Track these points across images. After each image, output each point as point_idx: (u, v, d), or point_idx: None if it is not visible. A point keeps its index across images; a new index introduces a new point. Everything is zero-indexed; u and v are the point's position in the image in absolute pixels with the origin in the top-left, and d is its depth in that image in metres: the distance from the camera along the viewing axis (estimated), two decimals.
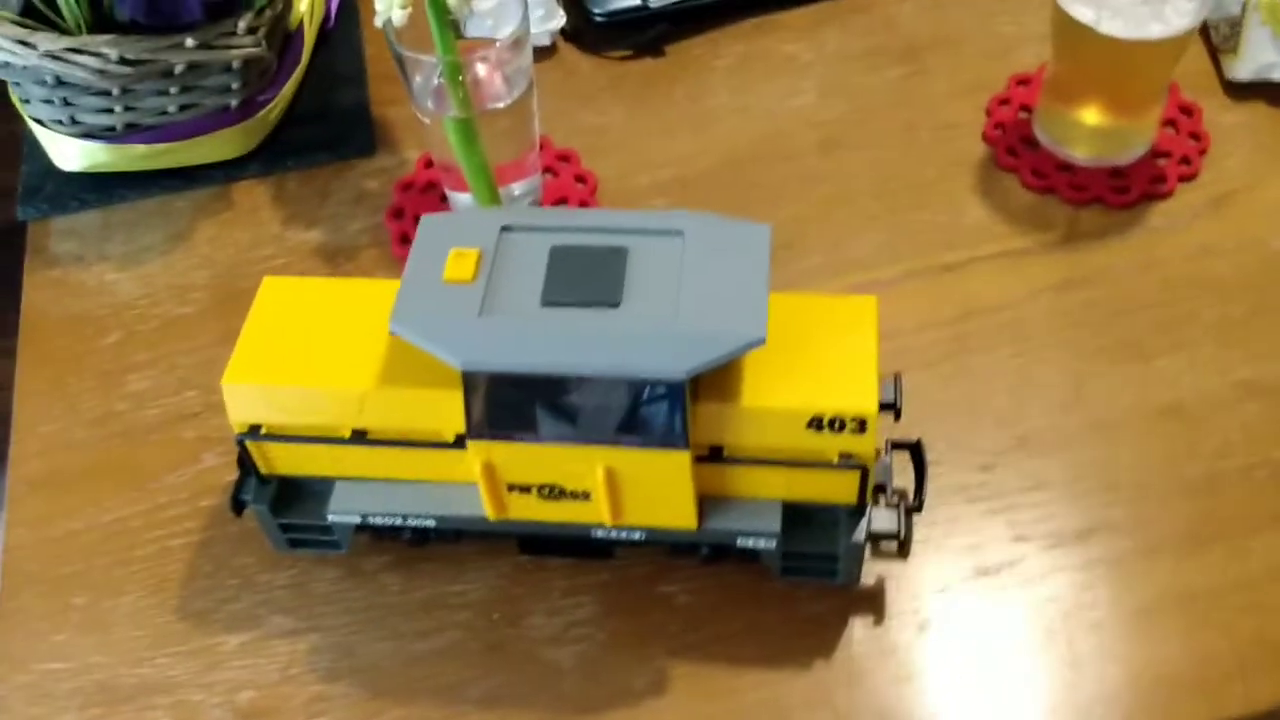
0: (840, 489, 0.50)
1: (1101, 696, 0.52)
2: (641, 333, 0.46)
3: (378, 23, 0.61)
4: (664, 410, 0.47)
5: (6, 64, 0.66)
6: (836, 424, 0.48)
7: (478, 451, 0.49)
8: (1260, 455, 0.58)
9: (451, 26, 0.62)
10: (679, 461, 0.48)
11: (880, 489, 0.54)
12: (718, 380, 0.49)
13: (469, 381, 0.47)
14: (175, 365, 0.66)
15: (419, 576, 0.57)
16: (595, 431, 0.47)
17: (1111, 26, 0.62)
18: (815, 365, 0.49)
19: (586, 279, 0.47)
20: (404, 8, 0.61)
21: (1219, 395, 0.60)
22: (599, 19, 0.79)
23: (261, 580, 0.58)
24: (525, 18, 0.64)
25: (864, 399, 0.48)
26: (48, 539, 0.60)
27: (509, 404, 0.47)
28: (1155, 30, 0.62)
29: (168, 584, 0.58)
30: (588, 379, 0.46)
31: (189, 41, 0.66)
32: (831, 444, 0.49)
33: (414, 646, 0.55)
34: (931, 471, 0.56)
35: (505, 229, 0.49)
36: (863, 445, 0.48)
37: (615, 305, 0.47)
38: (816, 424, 0.48)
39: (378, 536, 0.57)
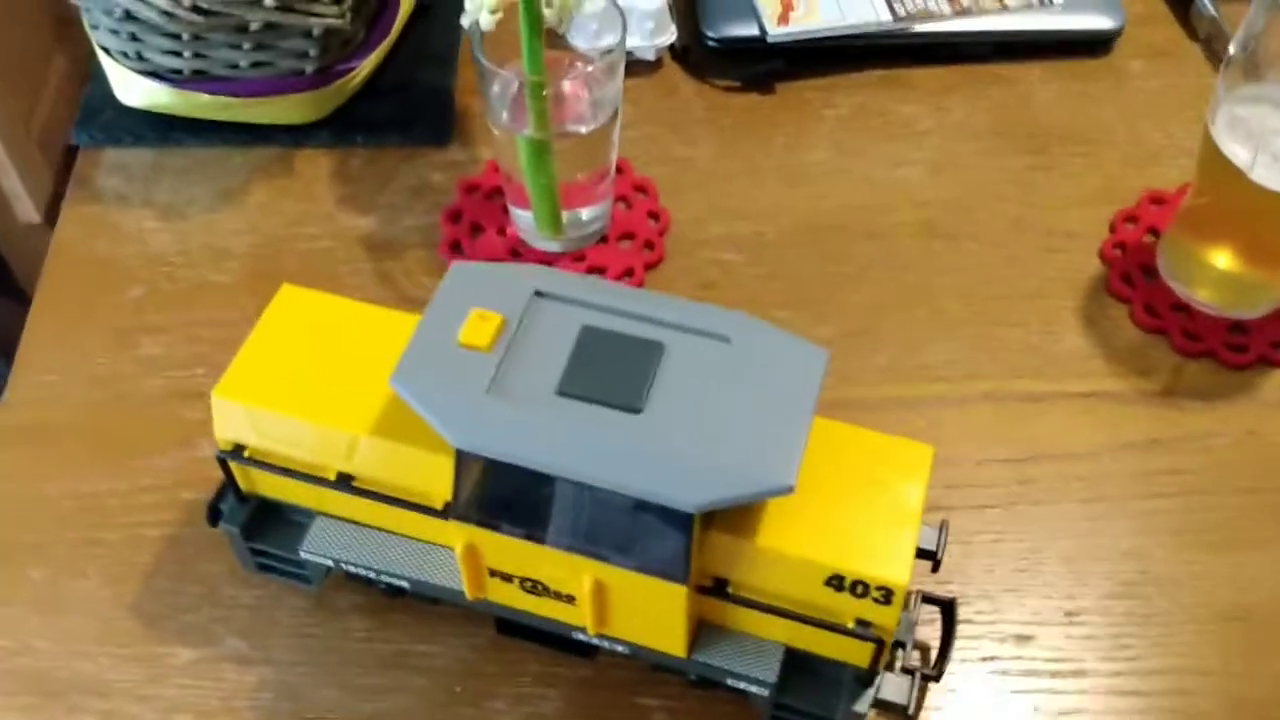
0: (851, 651, 0.45)
1: None
2: (658, 451, 0.40)
3: (465, 23, 0.57)
4: (667, 539, 0.41)
5: None
6: (859, 588, 0.43)
7: (460, 532, 0.44)
8: None
9: (545, 38, 0.57)
10: (675, 594, 0.43)
11: (899, 645, 0.48)
12: (735, 510, 0.43)
13: (462, 462, 0.42)
14: (194, 336, 0.63)
15: (388, 627, 0.53)
16: (588, 543, 0.43)
17: (1265, 175, 0.55)
18: (849, 514, 0.44)
19: (611, 373, 0.42)
20: (494, 13, 0.56)
21: None
22: (711, 43, 0.73)
23: (225, 595, 0.54)
24: (623, 40, 0.59)
25: (896, 567, 0.42)
26: (19, 498, 0.57)
27: (501, 494, 0.43)
28: None
29: (130, 576, 0.55)
30: (592, 488, 0.41)
31: (268, 1, 0.62)
32: (849, 607, 0.43)
33: (365, 704, 0.51)
34: (960, 631, 0.51)
35: (538, 294, 0.45)
36: (885, 617, 0.43)
37: (636, 411, 0.41)
38: (836, 583, 0.43)
39: (350, 577, 0.53)
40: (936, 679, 0.48)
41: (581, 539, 0.42)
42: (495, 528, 0.43)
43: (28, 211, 0.89)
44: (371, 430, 0.46)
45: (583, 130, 0.61)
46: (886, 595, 0.42)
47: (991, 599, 0.54)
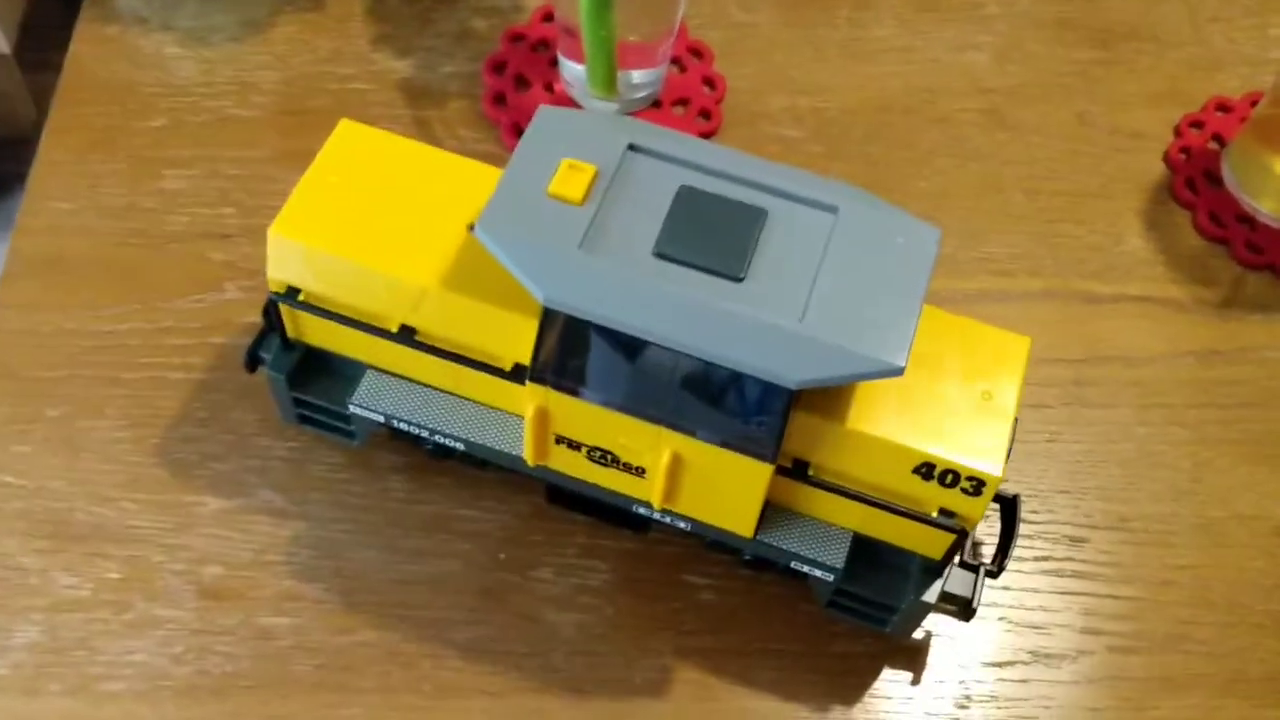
0: (925, 542, 0.44)
1: None
2: (760, 322, 0.38)
3: None
4: (759, 414, 0.40)
5: None
6: (949, 477, 0.41)
7: (535, 395, 0.42)
8: None
9: None
10: (759, 471, 0.41)
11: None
12: (825, 391, 0.41)
13: (548, 319, 0.40)
14: (218, 173, 0.59)
15: (429, 489, 0.51)
16: (674, 414, 0.40)
17: None
18: (942, 402, 0.42)
19: (711, 237, 0.40)
20: None
21: None
22: None
23: (257, 445, 0.52)
24: None
25: (990, 458, 0.41)
26: (33, 331, 0.54)
27: (586, 356, 0.40)
28: None
29: (155, 420, 0.52)
30: (682, 355, 0.39)
31: None
32: (935, 496, 0.42)
33: (405, 565, 0.49)
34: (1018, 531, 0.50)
35: (633, 148, 0.42)
36: (972, 508, 0.42)
37: (738, 279, 0.39)
38: (925, 471, 0.41)
39: (395, 435, 0.50)
40: (996, 575, 0.47)
41: (669, 410, 0.40)
42: (575, 393, 0.41)
43: None
44: (442, 282, 0.43)
45: None
46: (977, 487, 0.41)
47: (1045, 499, 0.53)
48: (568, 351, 0.40)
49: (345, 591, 0.49)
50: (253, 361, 0.48)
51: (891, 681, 0.48)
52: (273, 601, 0.48)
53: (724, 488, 0.43)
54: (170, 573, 0.49)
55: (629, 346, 0.39)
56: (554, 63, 0.63)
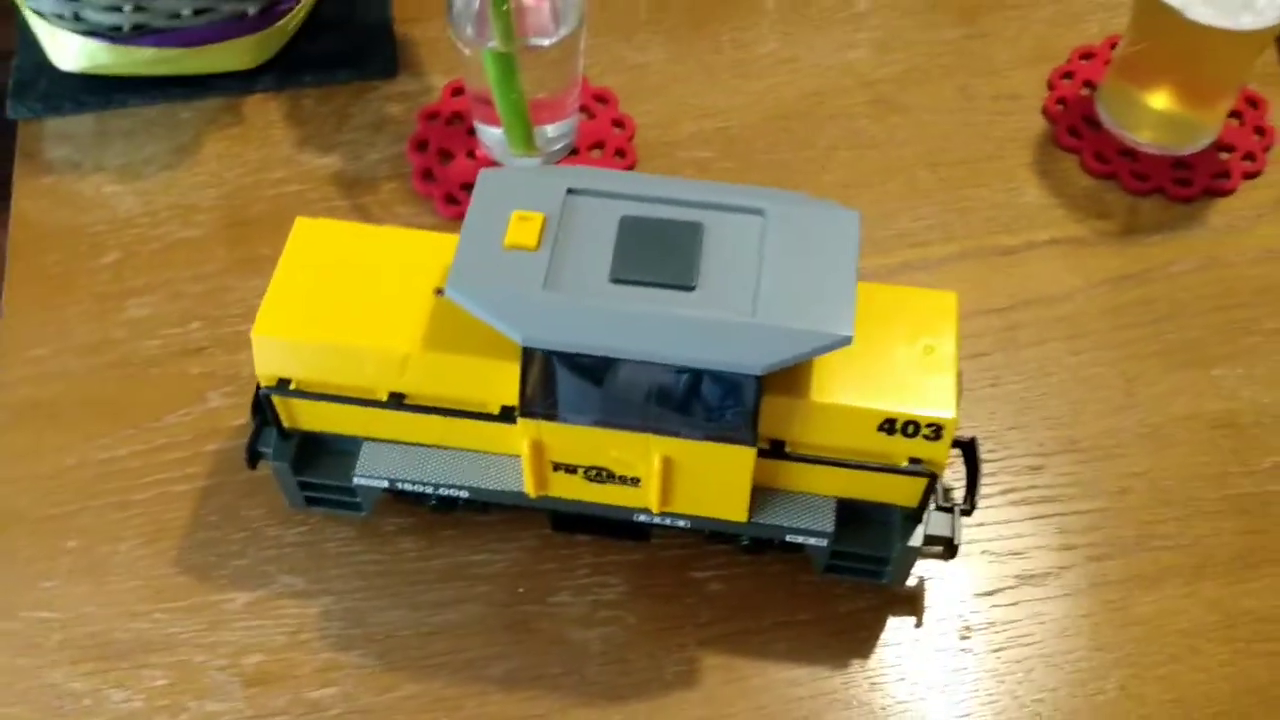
0: (901, 492, 0.48)
1: (1142, 716, 0.51)
2: (718, 322, 0.42)
3: None
4: (734, 404, 0.44)
5: None
6: (910, 428, 0.45)
7: (527, 430, 0.45)
8: None
9: None
10: (743, 457, 0.45)
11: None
12: (787, 373, 0.45)
13: (528, 357, 0.44)
14: (179, 293, 0.62)
15: (439, 543, 0.54)
16: (657, 420, 0.44)
17: (1201, 13, 0.59)
18: (890, 362, 0.46)
19: (658, 256, 0.44)
20: None
21: (1277, 410, 0.58)
22: None
23: (270, 535, 0.55)
24: None
25: (942, 403, 0.45)
26: (37, 474, 0.56)
27: (568, 384, 0.44)
28: (1246, 21, 0.59)
29: (168, 532, 0.55)
30: (655, 365, 0.43)
31: None
32: (901, 448, 0.46)
33: (431, 618, 0.53)
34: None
35: (571, 192, 0.46)
36: (936, 452, 0.46)
37: (689, 288, 0.43)
38: (889, 427, 0.45)
39: (398, 499, 0.54)
40: (970, 512, 0.51)
41: (652, 418, 0.44)
42: (564, 420, 0.45)
43: None
44: (421, 345, 0.46)
45: (546, 42, 0.61)
46: (937, 431, 0.45)
47: (999, 438, 0.57)
48: (551, 383, 0.44)
49: (380, 653, 0.52)
50: (254, 457, 0.51)
51: (897, 628, 0.52)
52: (315, 675, 0.51)
53: (714, 479, 0.46)
54: (214, 669, 0.51)
55: (606, 367, 0.43)
56: (471, 132, 0.67)
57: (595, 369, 0.43)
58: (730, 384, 0.43)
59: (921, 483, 0.47)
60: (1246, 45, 0.61)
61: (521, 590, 0.53)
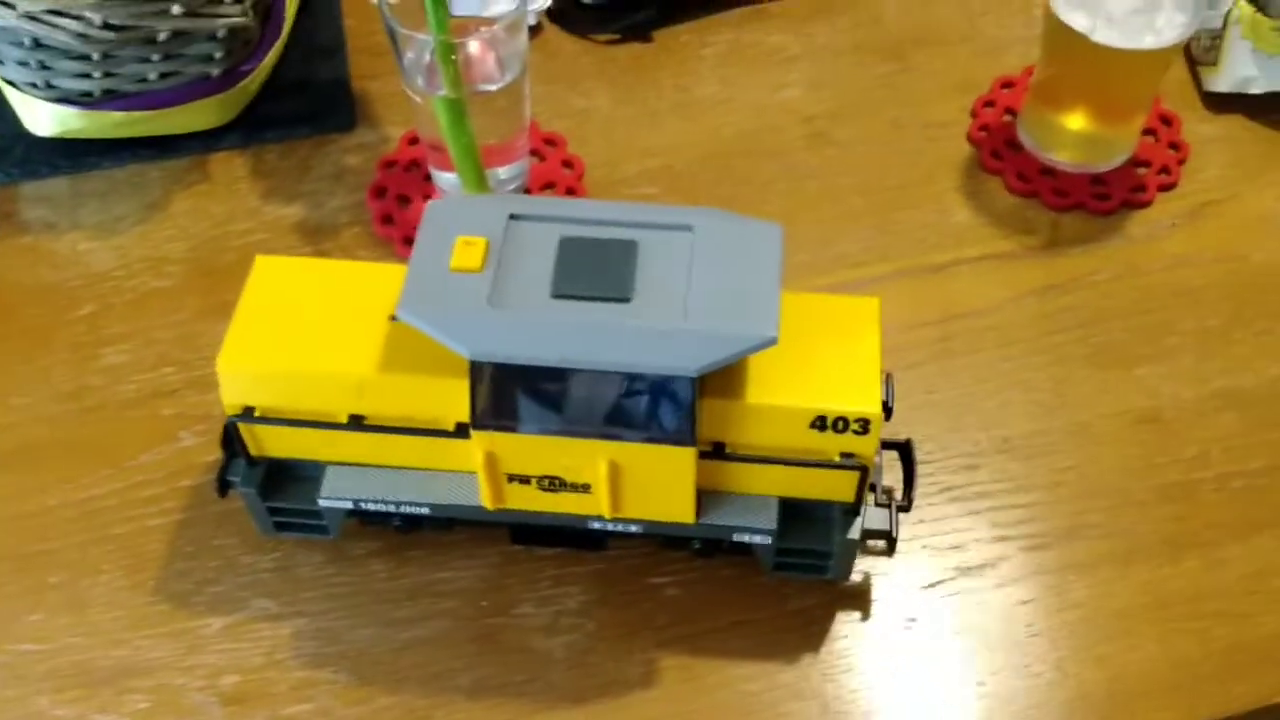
0: (837, 487, 0.51)
1: (1081, 695, 0.53)
2: (653, 329, 0.45)
3: None
4: (672, 406, 0.47)
5: None
6: (839, 424, 0.48)
7: (481, 442, 0.48)
8: (1236, 465, 0.59)
9: (444, 3, 0.61)
10: (684, 457, 0.48)
11: (870, 487, 0.54)
12: (722, 377, 0.49)
13: (476, 372, 0.47)
14: (153, 340, 0.65)
15: (406, 564, 0.57)
16: (602, 426, 0.47)
17: (1106, 36, 0.63)
18: (819, 364, 0.49)
19: (596, 272, 0.47)
20: None
21: (1197, 405, 0.61)
22: (586, 1, 0.78)
23: (244, 562, 0.57)
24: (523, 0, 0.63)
25: (868, 400, 0.48)
26: (20, 515, 0.59)
27: (515, 395, 0.47)
28: (1148, 41, 0.63)
29: (147, 564, 0.57)
30: (596, 373, 0.46)
31: (175, 9, 0.65)
32: (833, 444, 0.49)
33: (401, 634, 0.55)
34: (917, 470, 0.57)
35: (513, 217, 0.49)
36: (865, 446, 0.49)
37: (626, 300, 0.46)
38: (820, 424, 0.49)
39: (365, 522, 0.56)
40: (907, 509, 0.54)
41: (597, 424, 0.47)
42: (514, 430, 0.48)
43: None
44: (378, 369, 0.49)
45: (493, 88, 0.65)
46: (864, 425, 0.48)
47: (937, 440, 0.60)
48: (500, 396, 0.47)
49: (353, 670, 0.54)
50: (224, 486, 0.54)
51: (845, 622, 0.55)
52: (291, 693, 0.53)
53: (660, 481, 0.49)
54: (193, 690, 0.53)
55: (551, 377, 0.46)
56: (427, 178, 0.71)
57: (541, 379, 0.46)
58: (668, 387, 0.46)
59: (855, 476, 0.50)
60: (1151, 64, 0.65)
61: (485, 604, 0.55)
